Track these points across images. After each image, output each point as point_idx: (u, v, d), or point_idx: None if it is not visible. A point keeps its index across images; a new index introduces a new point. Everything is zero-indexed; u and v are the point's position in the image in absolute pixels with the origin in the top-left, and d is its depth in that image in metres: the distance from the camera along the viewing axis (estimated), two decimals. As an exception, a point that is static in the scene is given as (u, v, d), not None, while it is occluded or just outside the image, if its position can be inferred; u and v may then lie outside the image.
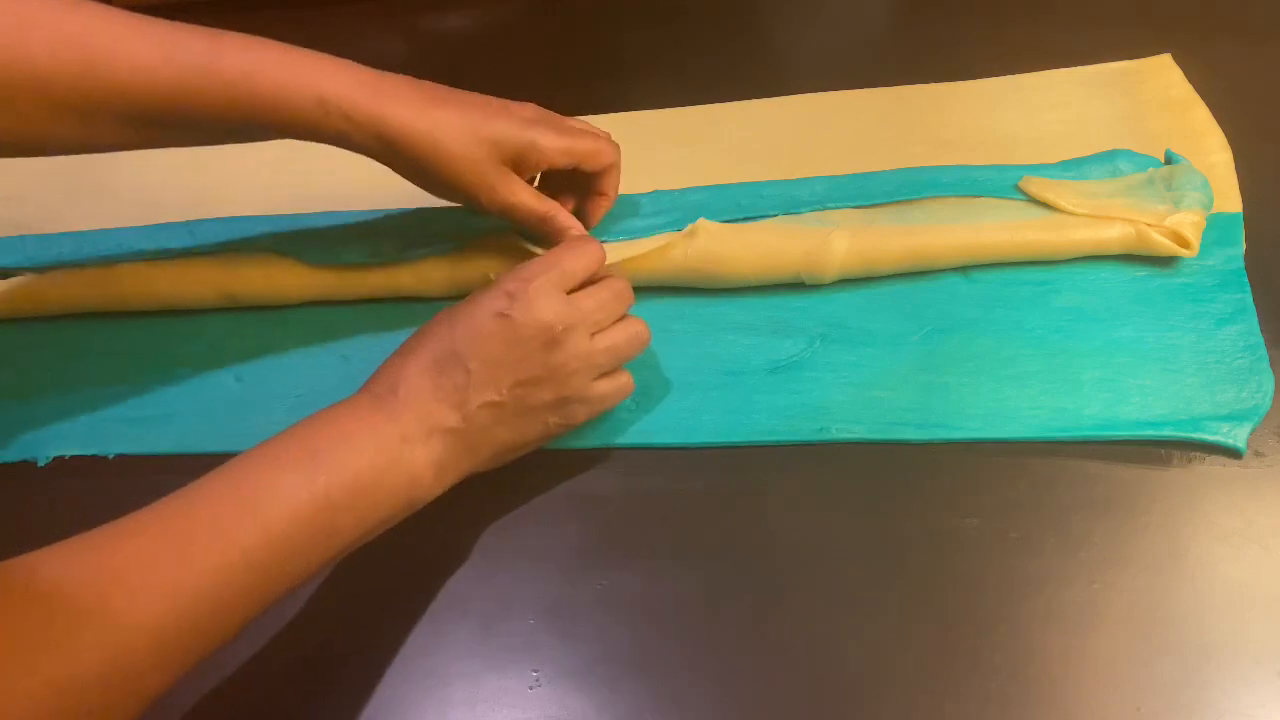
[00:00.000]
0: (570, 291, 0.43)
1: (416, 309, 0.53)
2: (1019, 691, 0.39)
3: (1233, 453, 0.44)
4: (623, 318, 0.45)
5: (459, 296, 0.52)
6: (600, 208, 0.50)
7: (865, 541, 0.43)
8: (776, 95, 0.60)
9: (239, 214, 0.55)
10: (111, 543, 0.33)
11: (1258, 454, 0.44)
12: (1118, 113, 0.57)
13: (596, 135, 0.48)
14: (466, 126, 0.44)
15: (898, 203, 0.52)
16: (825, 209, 0.52)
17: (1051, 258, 0.50)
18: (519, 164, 0.46)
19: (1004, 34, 0.63)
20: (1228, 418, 0.44)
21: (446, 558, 0.45)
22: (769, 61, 0.64)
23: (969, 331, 0.49)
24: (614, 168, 0.49)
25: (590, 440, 0.47)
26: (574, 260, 0.44)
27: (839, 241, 0.49)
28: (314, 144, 0.61)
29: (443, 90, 0.45)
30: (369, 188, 0.58)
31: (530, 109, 0.47)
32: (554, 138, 0.46)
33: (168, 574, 0.33)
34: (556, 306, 0.42)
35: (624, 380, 0.45)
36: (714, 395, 0.48)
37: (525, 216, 0.46)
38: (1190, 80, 0.58)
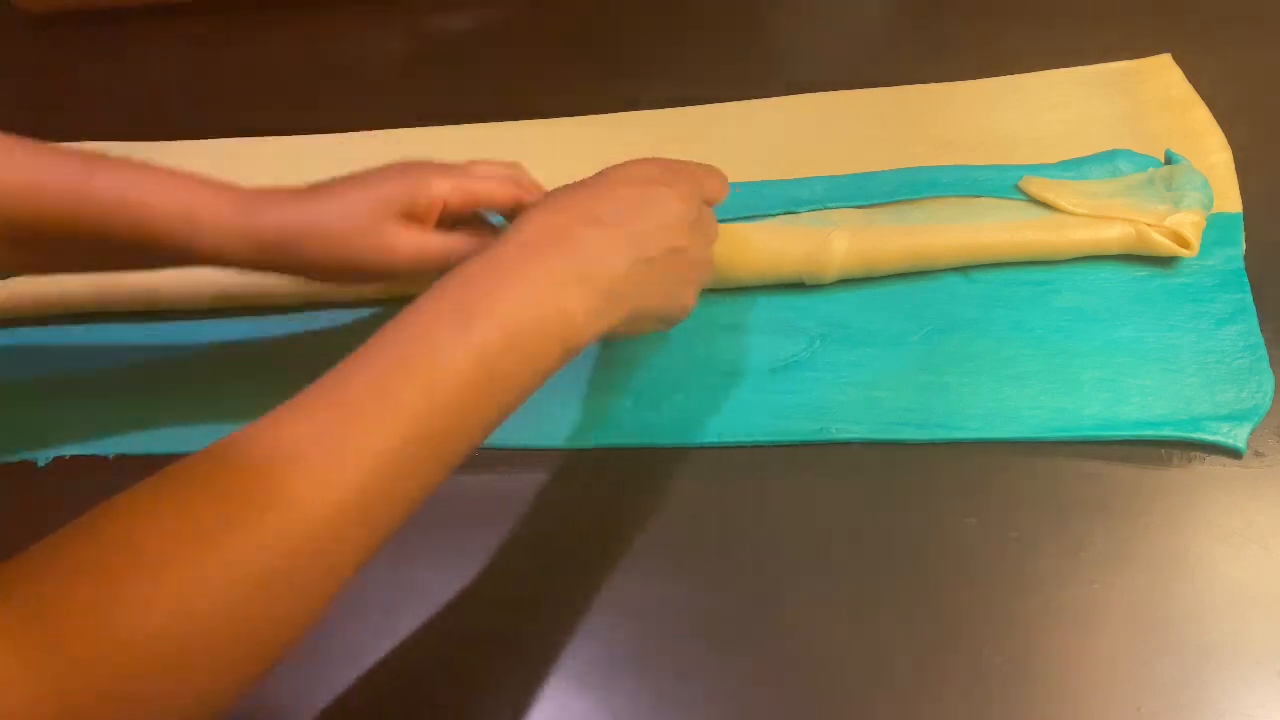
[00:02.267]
0: None
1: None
2: (1019, 691, 0.39)
3: (1233, 453, 0.44)
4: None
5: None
6: None
7: (865, 541, 0.43)
8: (776, 95, 0.60)
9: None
10: (284, 425, 0.33)
11: (1258, 454, 0.44)
12: (1118, 113, 0.57)
13: (497, 177, 0.47)
14: (348, 201, 0.43)
15: (898, 203, 0.52)
16: (825, 209, 0.52)
17: (1051, 258, 0.50)
18: (411, 214, 0.44)
19: (1004, 34, 0.63)
20: (1228, 418, 0.44)
21: (445, 557, 0.45)
22: (769, 61, 0.64)
23: (969, 331, 0.49)
24: (520, 202, 0.47)
25: (590, 440, 0.47)
26: (709, 176, 0.45)
27: (839, 241, 0.49)
28: (314, 145, 0.61)
29: (321, 184, 0.44)
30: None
31: (411, 163, 0.46)
32: (441, 180, 0.45)
33: (341, 451, 0.32)
34: (695, 203, 0.43)
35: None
36: (714, 395, 0.48)
37: (439, 261, 0.44)
38: (1190, 80, 0.58)
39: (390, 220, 0.43)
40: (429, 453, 0.34)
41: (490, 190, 0.46)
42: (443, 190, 0.44)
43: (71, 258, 0.44)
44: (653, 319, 0.43)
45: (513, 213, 0.46)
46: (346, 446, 0.32)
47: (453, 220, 0.46)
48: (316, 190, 0.44)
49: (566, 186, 0.42)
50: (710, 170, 0.46)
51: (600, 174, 0.42)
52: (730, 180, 0.55)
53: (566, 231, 0.39)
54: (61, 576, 0.28)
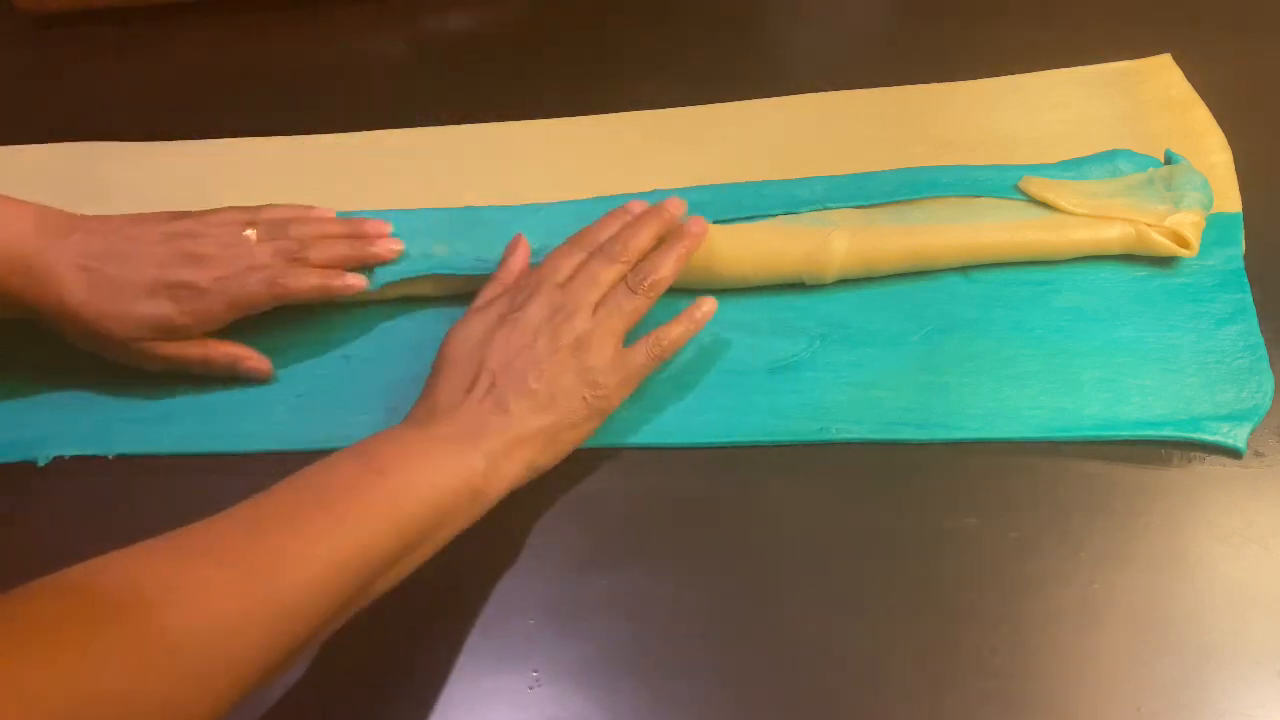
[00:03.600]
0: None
1: (416, 309, 0.53)
2: (1019, 691, 0.39)
3: (1233, 453, 0.44)
4: (628, 286, 0.46)
5: (459, 296, 0.52)
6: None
7: (865, 541, 0.43)
8: (776, 95, 0.60)
9: (239, 214, 0.55)
10: (188, 545, 0.34)
11: (1258, 454, 0.44)
12: (1118, 113, 0.57)
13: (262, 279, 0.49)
14: (108, 309, 0.47)
15: (898, 203, 0.52)
16: (825, 209, 0.52)
17: (1051, 258, 0.50)
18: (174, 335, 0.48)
19: (1004, 34, 0.63)
20: (1228, 418, 0.44)
21: (445, 558, 0.45)
22: (769, 61, 0.64)
23: (969, 331, 0.49)
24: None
25: (590, 440, 0.47)
26: (563, 258, 0.47)
27: (839, 241, 0.49)
28: (314, 145, 0.61)
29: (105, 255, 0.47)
30: (370, 188, 0.58)
31: (187, 283, 0.48)
32: (208, 303, 0.48)
33: (236, 583, 0.33)
34: (549, 295, 0.45)
35: (657, 339, 0.46)
36: (714, 395, 0.48)
37: (191, 363, 0.49)
38: (1190, 80, 0.58)
39: (147, 341, 0.47)
40: (336, 587, 0.36)
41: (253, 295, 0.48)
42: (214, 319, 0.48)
43: None
44: (572, 430, 0.45)
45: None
46: (246, 577, 0.34)
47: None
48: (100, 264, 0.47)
49: (437, 364, 0.45)
50: (667, 249, 0.47)
51: (454, 336, 0.46)
52: (730, 180, 0.55)
53: (448, 405, 0.43)
54: (31, 630, 0.29)
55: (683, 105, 0.60)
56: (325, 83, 0.66)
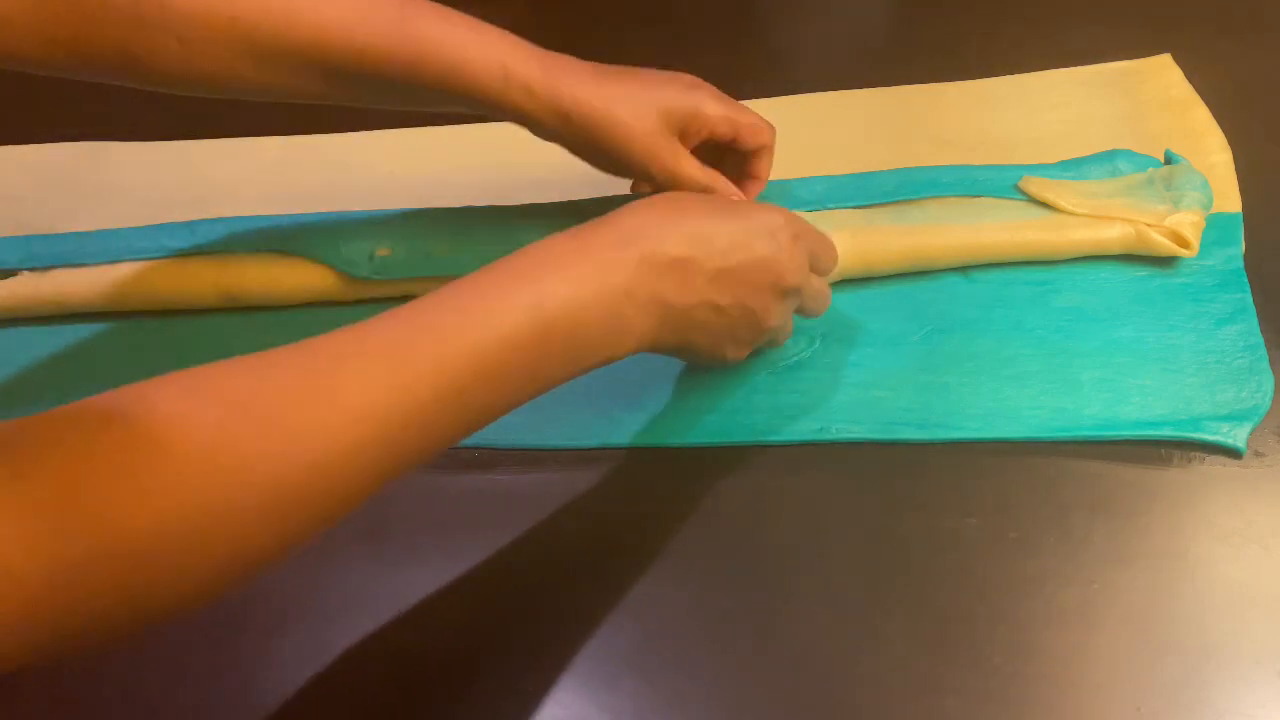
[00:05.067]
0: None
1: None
2: (1019, 691, 0.39)
3: (1233, 453, 0.44)
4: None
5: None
6: (752, 191, 0.50)
7: (865, 541, 0.43)
8: (776, 95, 0.60)
9: (239, 214, 0.55)
10: (326, 355, 0.33)
11: (1258, 454, 0.44)
12: (1118, 113, 0.57)
13: (756, 115, 0.49)
14: (638, 99, 0.45)
15: (898, 202, 0.52)
16: (825, 209, 0.52)
17: (1051, 258, 0.50)
18: (684, 133, 0.47)
19: (1004, 34, 0.63)
20: (1228, 418, 0.44)
21: (445, 558, 0.45)
22: (769, 61, 0.64)
23: (969, 331, 0.49)
24: (768, 150, 0.49)
25: (590, 440, 0.47)
26: (825, 249, 0.45)
27: (839, 241, 0.49)
28: (314, 145, 0.61)
29: (609, 67, 0.46)
30: (370, 189, 0.58)
31: (689, 77, 0.48)
32: (717, 105, 0.47)
33: (376, 396, 0.32)
34: (800, 269, 0.43)
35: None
36: (714, 395, 0.48)
37: (691, 187, 0.47)
38: (1190, 80, 0.58)
39: (669, 134, 0.46)
40: (464, 406, 0.34)
41: (751, 126, 0.48)
42: (712, 122, 0.46)
43: (380, 96, 0.46)
44: (689, 355, 0.44)
45: (758, 158, 0.49)
46: (383, 376, 0.32)
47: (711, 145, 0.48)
48: (605, 75, 0.45)
49: (703, 198, 0.43)
50: (828, 244, 0.46)
51: (742, 205, 0.43)
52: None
53: (659, 245, 0.39)
54: (75, 459, 0.27)
55: (683, 105, 0.60)
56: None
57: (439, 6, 0.44)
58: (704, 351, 0.43)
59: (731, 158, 0.49)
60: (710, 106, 0.46)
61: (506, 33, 0.45)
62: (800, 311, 0.46)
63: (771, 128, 0.49)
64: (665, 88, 0.46)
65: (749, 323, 0.42)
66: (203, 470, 0.28)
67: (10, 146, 0.63)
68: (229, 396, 0.30)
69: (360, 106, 0.48)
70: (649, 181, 0.47)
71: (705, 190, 0.47)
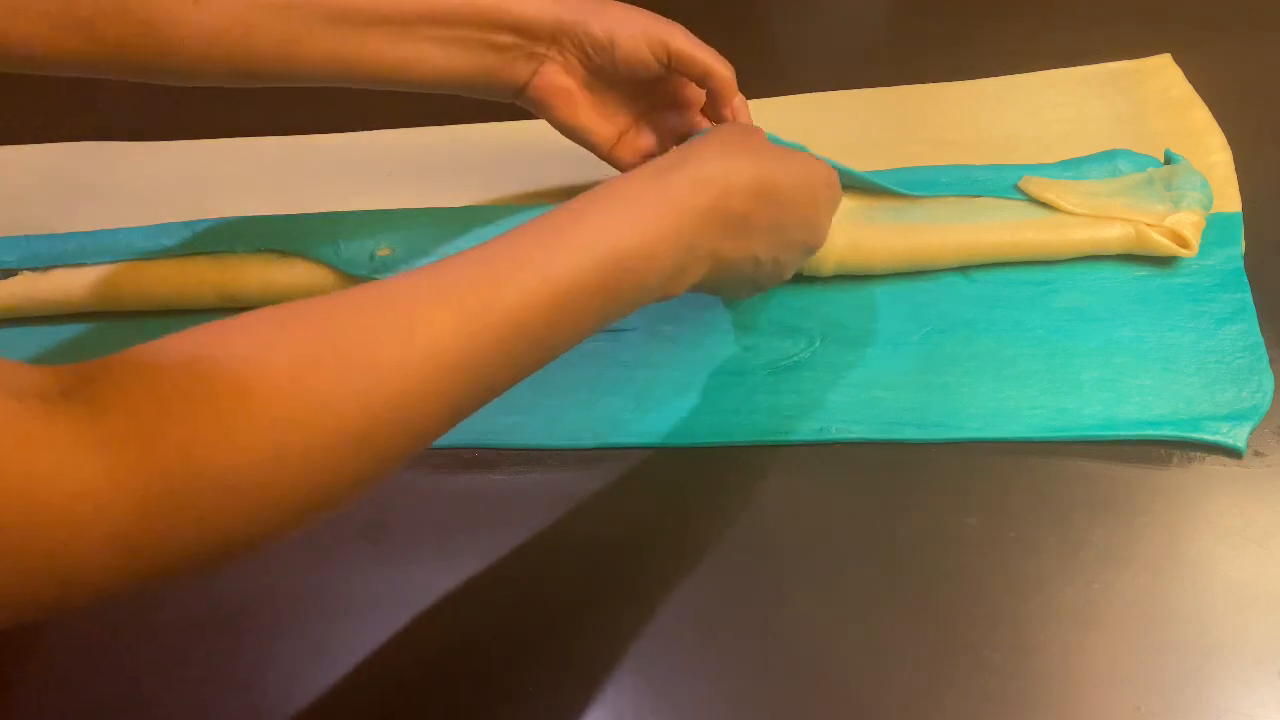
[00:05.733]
0: None
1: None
2: (1019, 691, 0.39)
3: (1233, 453, 0.44)
4: None
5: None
6: None
7: (865, 541, 0.43)
8: (776, 95, 0.60)
9: (239, 214, 0.55)
10: (401, 295, 0.33)
11: (1258, 454, 0.44)
12: (1117, 113, 0.57)
13: (717, 55, 0.50)
14: (629, 17, 0.48)
15: (898, 201, 0.52)
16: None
17: (1051, 258, 0.50)
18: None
19: (1004, 34, 0.63)
20: (1228, 418, 0.44)
21: (445, 559, 0.45)
22: (769, 61, 0.64)
23: (969, 331, 0.49)
24: (734, 97, 0.50)
25: (590, 440, 0.47)
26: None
27: (838, 234, 0.49)
28: (314, 145, 0.61)
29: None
30: (370, 188, 0.58)
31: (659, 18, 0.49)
32: (687, 38, 0.48)
33: (452, 334, 0.32)
34: (828, 223, 0.46)
35: None
36: (714, 395, 0.48)
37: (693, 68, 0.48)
38: (1190, 80, 0.58)
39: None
40: (540, 335, 0.34)
41: (715, 68, 0.49)
42: (686, 46, 0.48)
43: (396, 47, 0.47)
44: (710, 293, 0.44)
45: (726, 105, 0.50)
46: (467, 322, 0.32)
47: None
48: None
49: (770, 145, 0.44)
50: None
51: (802, 158, 0.44)
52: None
53: (729, 202, 0.39)
54: (156, 396, 0.27)
55: (683, 105, 0.60)
56: (325, 83, 0.66)
57: None
58: (725, 294, 0.45)
59: (709, 111, 0.51)
60: (683, 38, 0.48)
61: None
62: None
63: (731, 73, 0.50)
64: (642, 15, 0.48)
65: (774, 274, 0.44)
66: (283, 405, 0.28)
67: (10, 146, 0.63)
68: (307, 334, 0.30)
69: (365, 81, 0.48)
70: (669, 63, 0.48)
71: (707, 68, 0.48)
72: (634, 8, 0.48)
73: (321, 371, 0.29)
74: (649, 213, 0.37)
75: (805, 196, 0.43)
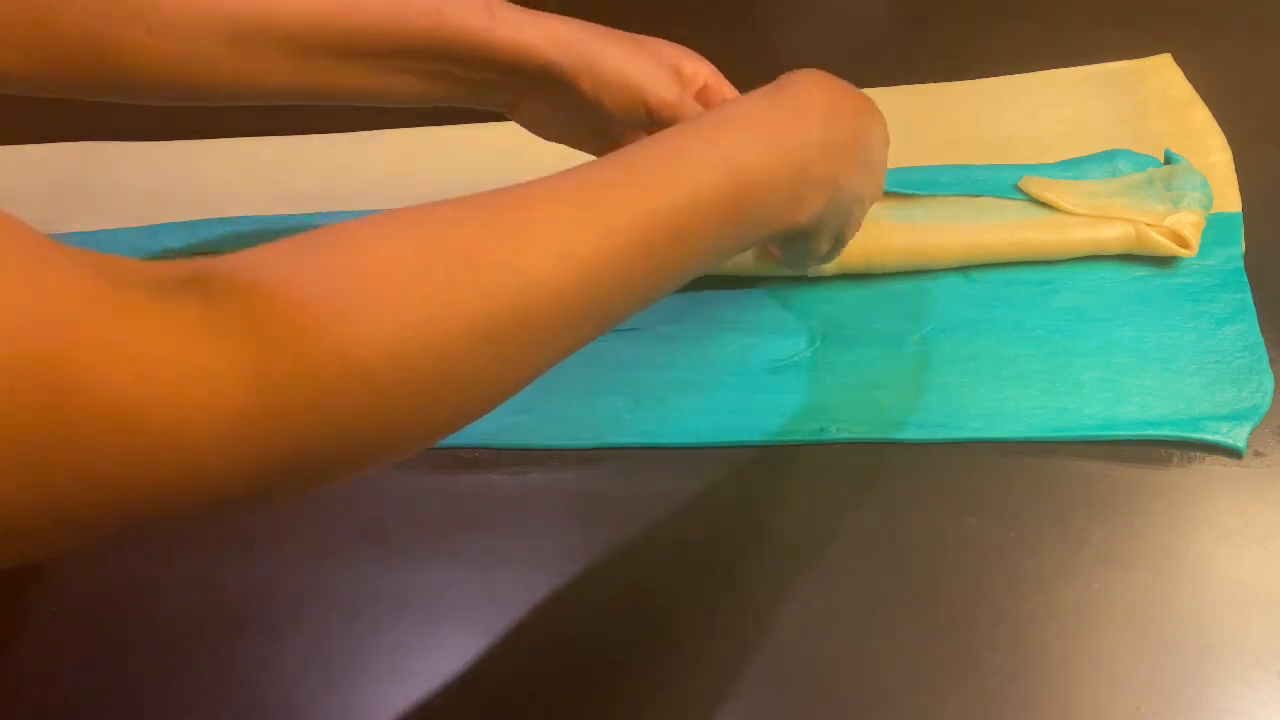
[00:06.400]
0: None
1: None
2: (1019, 691, 0.39)
3: (1233, 453, 0.44)
4: None
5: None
6: None
7: (865, 541, 0.43)
8: (776, 95, 0.60)
9: (239, 214, 0.55)
10: (539, 184, 0.32)
11: (1258, 454, 0.44)
12: (1117, 113, 0.57)
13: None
14: (642, 51, 0.46)
15: (898, 200, 0.52)
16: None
17: (1051, 258, 0.50)
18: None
19: (1004, 34, 0.63)
20: (1228, 418, 0.44)
21: (445, 558, 0.45)
22: (769, 61, 0.64)
23: (969, 331, 0.49)
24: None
25: (590, 440, 0.47)
26: None
27: None
28: (314, 145, 0.61)
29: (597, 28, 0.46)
30: (370, 189, 0.58)
31: (666, 43, 0.48)
32: (701, 62, 0.47)
33: (577, 238, 0.31)
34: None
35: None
36: (714, 395, 0.48)
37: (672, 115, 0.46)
38: (1190, 80, 0.58)
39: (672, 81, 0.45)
40: (662, 259, 0.34)
41: (689, 110, 0.47)
42: (703, 71, 0.47)
43: (379, 79, 0.45)
44: (811, 242, 0.43)
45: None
46: (583, 219, 0.31)
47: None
48: (609, 31, 0.46)
49: (852, 103, 0.42)
50: None
51: (872, 104, 0.43)
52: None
53: (839, 128, 0.39)
54: (274, 283, 0.26)
55: (683, 105, 0.60)
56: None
57: None
58: (823, 241, 0.43)
59: None
60: (697, 63, 0.47)
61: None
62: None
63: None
64: (654, 45, 0.47)
65: (855, 222, 0.43)
66: (405, 297, 0.27)
67: (10, 146, 0.63)
68: (429, 232, 0.30)
69: (335, 101, 0.46)
70: (660, 123, 0.45)
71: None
72: (633, 47, 0.46)
73: (446, 266, 0.29)
74: (766, 140, 0.37)
75: (879, 140, 0.43)
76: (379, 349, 0.27)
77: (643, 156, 0.35)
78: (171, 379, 0.23)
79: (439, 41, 0.43)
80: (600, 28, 0.45)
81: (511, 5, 0.44)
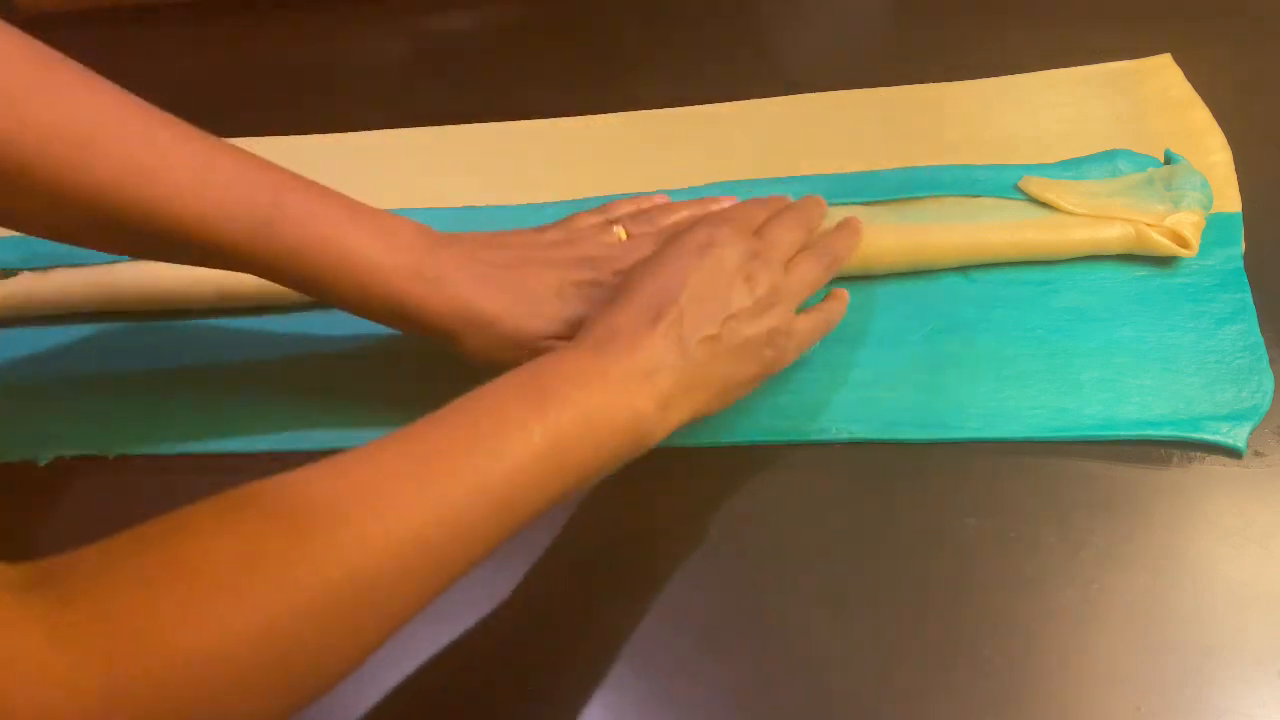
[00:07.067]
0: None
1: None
2: (1019, 691, 0.39)
3: (1233, 452, 0.44)
4: (811, 249, 0.46)
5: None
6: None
7: (865, 541, 0.43)
8: (776, 95, 0.60)
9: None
10: (351, 466, 0.33)
11: (1258, 454, 0.44)
12: (1117, 113, 0.57)
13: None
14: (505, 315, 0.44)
15: (898, 201, 0.52)
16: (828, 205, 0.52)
17: (1051, 258, 0.50)
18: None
19: (1004, 34, 0.63)
20: (1228, 417, 0.44)
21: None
22: (768, 61, 0.64)
23: (969, 331, 0.49)
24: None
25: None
26: (756, 207, 0.46)
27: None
28: (314, 145, 0.61)
29: (485, 265, 0.44)
30: (370, 188, 0.58)
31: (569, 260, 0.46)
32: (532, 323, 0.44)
33: (405, 497, 0.32)
34: (748, 241, 0.43)
35: (825, 312, 0.46)
36: (714, 395, 0.48)
37: None
38: (1190, 80, 0.58)
39: (560, 338, 0.44)
40: (491, 515, 0.34)
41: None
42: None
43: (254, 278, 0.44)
44: (742, 386, 0.43)
45: None
46: (413, 494, 0.33)
47: None
48: (490, 280, 0.44)
49: (622, 284, 0.42)
50: (845, 233, 0.46)
51: (647, 264, 0.43)
52: (730, 180, 0.55)
53: (629, 333, 0.40)
54: (119, 585, 0.28)
55: (682, 105, 0.60)
56: (325, 83, 0.66)
57: (311, 191, 0.43)
58: (747, 379, 0.43)
59: None
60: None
61: (386, 219, 0.44)
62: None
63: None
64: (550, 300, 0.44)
65: (751, 322, 0.42)
66: (243, 589, 0.29)
67: (10, 146, 0.63)
68: (260, 519, 0.31)
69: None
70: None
71: None
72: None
73: (276, 551, 0.30)
74: (582, 384, 0.38)
75: (681, 280, 0.41)
76: (221, 639, 0.28)
77: (471, 417, 0.35)
78: (29, 686, 0.25)
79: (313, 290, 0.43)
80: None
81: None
